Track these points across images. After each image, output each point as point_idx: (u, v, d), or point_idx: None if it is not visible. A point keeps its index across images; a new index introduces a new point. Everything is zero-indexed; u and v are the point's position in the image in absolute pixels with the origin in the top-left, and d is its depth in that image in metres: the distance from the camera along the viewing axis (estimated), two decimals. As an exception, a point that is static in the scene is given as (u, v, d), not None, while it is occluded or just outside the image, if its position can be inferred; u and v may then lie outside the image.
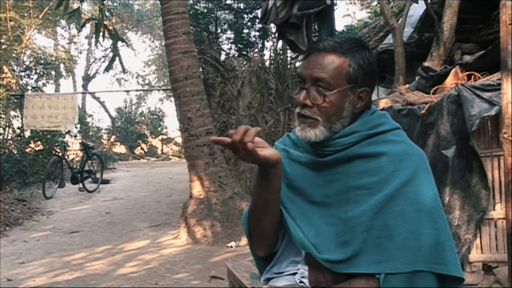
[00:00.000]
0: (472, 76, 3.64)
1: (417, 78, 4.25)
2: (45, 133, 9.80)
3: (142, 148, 21.04)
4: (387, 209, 1.17)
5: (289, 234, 1.33)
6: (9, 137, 10.08)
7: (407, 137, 1.31)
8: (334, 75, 1.21)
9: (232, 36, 8.81)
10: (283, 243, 1.37)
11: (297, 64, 8.18)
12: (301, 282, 1.30)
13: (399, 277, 1.13)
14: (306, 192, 1.29)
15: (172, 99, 6.73)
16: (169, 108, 36.61)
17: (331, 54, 1.23)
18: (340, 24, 21.59)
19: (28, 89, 11.22)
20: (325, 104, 1.22)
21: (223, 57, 8.67)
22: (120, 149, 20.09)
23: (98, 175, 10.00)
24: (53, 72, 15.23)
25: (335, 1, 6.79)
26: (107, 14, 8.14)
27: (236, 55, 8.64)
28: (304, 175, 1.30)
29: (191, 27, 6.65)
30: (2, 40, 11.29)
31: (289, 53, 8.05)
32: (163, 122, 21.71)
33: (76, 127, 10.93)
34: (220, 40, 8.85)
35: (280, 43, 7.99)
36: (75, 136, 11.51)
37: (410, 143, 1.28)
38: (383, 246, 1.15)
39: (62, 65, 18.15)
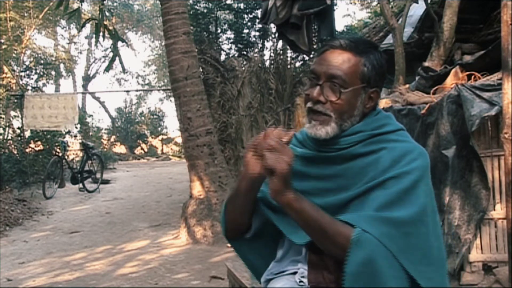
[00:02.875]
0: (472, 76, 3.64)
1: (417, 78, 4.26)
2: (45, 133, 9.79)
3: (142, 148, 21.02)
4: (377, 192, 1.18)
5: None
6: (9, 137, 10.06)
7: (411, 138, 1.31)
8: (349, 73, 1.23)
9: (232, 36, 8.79)
10: (284, 245, 1.37)
11: (297, 64, 8.18)
12: (300, 281, 1.30)
13: (372, 243, 1.10)
14: (307, 188, 1.29)
15: (172, 99, 6.73)
16: (169, 108, 36.63)
17: (347, 53, 1.25)
18: (340, 24, 21.56)
19: (28, 89, 11.19)
20: (339, 101, 1.23)
21: (223, 57, 8.66)
22: (120, 149, 20.07)
23: (98, 175, 9.99)
24: (53, 72, 15.19)
25: (335, 1, 6.79)
26: (107, 14, 8.15)
27: (236, 55, 8.62)
28: (308, 170, 1.31)
29: (191, 27, 6.65)
30: (2, 40, 11.27)
31: (289, 53, 8.04)
32: (163, 122, 21.72)
33: (76, 127, 10.92)
34: (220, 40, 8.84)
35: (280, 43, 7.97)
36: (75, 136, 11.51)
37: (414, 142, 1.29)
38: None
39: (62, 65, 18.13)
